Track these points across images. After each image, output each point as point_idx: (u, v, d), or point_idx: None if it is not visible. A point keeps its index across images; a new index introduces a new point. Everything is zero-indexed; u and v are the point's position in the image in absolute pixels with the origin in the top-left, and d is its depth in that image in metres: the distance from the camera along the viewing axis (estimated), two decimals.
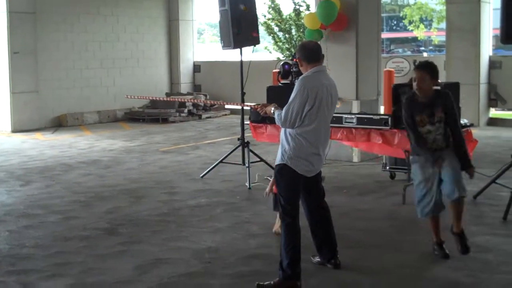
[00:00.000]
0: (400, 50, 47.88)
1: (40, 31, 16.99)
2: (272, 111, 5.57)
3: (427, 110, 5.86)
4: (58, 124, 17.45)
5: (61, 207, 8.28)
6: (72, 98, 17.91)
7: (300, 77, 5.43)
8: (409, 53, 42.55)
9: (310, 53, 5.47)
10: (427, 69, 5.92)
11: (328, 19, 10.51)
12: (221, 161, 10.14)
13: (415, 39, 41.04)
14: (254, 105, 6.03)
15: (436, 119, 5.84)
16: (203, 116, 18.94)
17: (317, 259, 5.87)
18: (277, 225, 6.62)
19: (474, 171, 5.93)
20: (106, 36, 19.00)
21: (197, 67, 21.47)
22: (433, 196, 5.88)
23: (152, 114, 18.30)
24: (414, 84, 5.88)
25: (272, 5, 22.64)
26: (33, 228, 7.35)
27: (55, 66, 17.54)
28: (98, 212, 8.03)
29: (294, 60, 9.10)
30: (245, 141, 9.87)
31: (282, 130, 5.49)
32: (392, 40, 53.37)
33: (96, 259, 6.18)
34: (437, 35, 33.97)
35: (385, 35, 45.89)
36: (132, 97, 8.27)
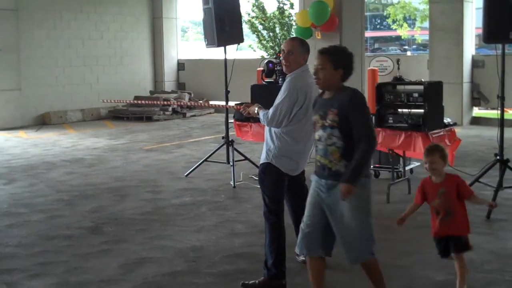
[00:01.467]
0: (391, 48, 47.93)
1: (23, 28, 16.87)
2: (255, 111, 5.56)
3: (322, 108, 4.56)
4: (42, 122, 17.34)
5: (45, 206, 8.23)
6: (55, 96, 17.81)
7: (289, 78, 5.40)
8: (398, 51, 42.65)
9: (309, 51, 5.53)
10: (328, 54, 4.53)
11: (320, 20, 10.50)
12: (205, 160, 10.13)
13: (398, 38, 41.19)
14: (236, 105, 6.02)
15: (328, 123, 4.47)
16: (188, 114, 18.91)
17: (302, 258, 5.87)
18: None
19: (349, 193, 4.33)
20: (89, 33, 18.91)
21: (181, 65, 21.43)
22: (313, 230, 4.64)
23: (136, 112, 18.23)
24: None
25: (256, 3, 22.69)
26: (16, 227, 7.31)
27: (37, 63, 17.43)
28: (82, 211, 7.99)
29: (278, 55, 9.10)
30: (230, 139, 9.87)
31: (267, 128, 5.48)
32: (376, 39, 53.52)
33: (80, 258, 6.15)
34: (421, 34, 34.16)
35: (368, 33, 46.02)
36: (108, 101, 8.15)
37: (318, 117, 4.55)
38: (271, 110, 5.29)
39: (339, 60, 4.54)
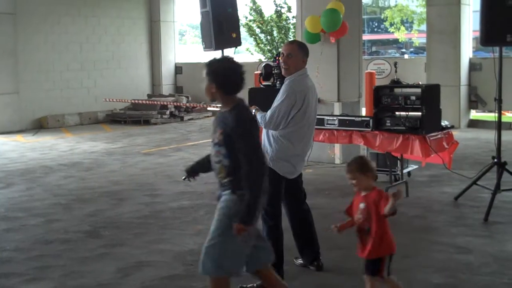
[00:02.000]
0: (390, 51, 47.96)
1: (20, 32, 16.87)
2: (253, 113, 5.56)
3: (214, 124, 4.48)
4: (39, 126, 17.32)
5: (42, 210, 8.22)
6: (52, 99, 17.78)
7: (288, 81, 5.41)
8: (398, 54, 42.69)
9: (308, 54, 5.52)
10: (206, 67, 4.43)
11: (332, 27, 10.43)
12: None
13: (396, 41, 41.24)
14: None
15: (216, 140, 4.37)
16: (185, 118, 18.89)
17: (300, 261, 5.88)
18: None
19: (242, 231, 4.18)
20: (87, 37, 18.90)
21: (178, 69, 21.41)
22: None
23: (133, 116, 18.21)
24: None
25: (254, 7, 22.70)
26: (13, 231, 7.29)
27: (35, 67, 17.42)
28: (80, 214, 7.98)
29: (277, 61, 9.09)
30: None
31: (264, 131, 5.48)
32: (373, 42, 53.60)
33: (78, 262, 6.14)
34: (418, 37, 34.19)
35: (366, 37, 46.09)
36: (111, 100, 8.17)
37: (212, 132, 4.45)
38: (269, 112, 5.29)
39: (212, 74, 4.36)
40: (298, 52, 5.45)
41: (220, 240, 4.25)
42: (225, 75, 4.34)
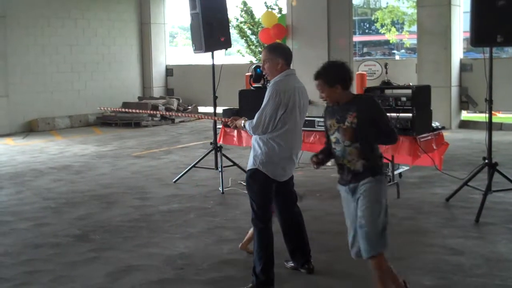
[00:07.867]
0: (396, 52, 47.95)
1: (10, 35, 16.79)
2: (242, 124, 5.53)
3: (338, 113, 4.77)
4: (29, 129, 17.24)
5: (32, 214, 8.16)
6: (42, 102, 17.70)
7: (272, 82, 5.37)
8: (393, 56, 42.66)
9: (289, 55, 5.48)
10: (320, 76, 4.87)
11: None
12: (194, 166, 10.08)
13: (387, 42, 41.28)
14: (224, 120, 6.04)
15: (347, 124, 4.66)
16: (176, 120, 18.85)
17: (291, 264, 5.84)
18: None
19: None
20: (77, 39, 18.83)
21: (169, 71, 21.36)
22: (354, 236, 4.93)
23: (124, 118, 18.15)
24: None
25: (245, 8, 22.71)
26: (2, 235, 7.23)
27: (25, 70, 17.33)
28: (69, 218, 7.92)
29: None
30: (218, 145, 9.83)
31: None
32: (364, 43, 53.66)
33: (67, 267, 6.09)
34: (409, 38, 34.25)
35: (357, 38, 46.14)
36: (106, 108, 8.12)
37: (335, 121, 4.75)
38: (256, 116, 5.25)
39: (330, 78, 4.88)
40: (270, 56, 5.42)
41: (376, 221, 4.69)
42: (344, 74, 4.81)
